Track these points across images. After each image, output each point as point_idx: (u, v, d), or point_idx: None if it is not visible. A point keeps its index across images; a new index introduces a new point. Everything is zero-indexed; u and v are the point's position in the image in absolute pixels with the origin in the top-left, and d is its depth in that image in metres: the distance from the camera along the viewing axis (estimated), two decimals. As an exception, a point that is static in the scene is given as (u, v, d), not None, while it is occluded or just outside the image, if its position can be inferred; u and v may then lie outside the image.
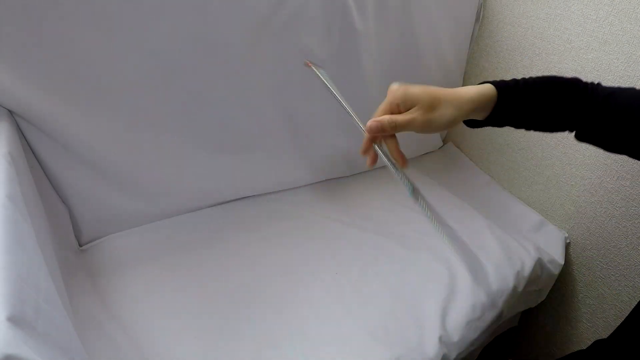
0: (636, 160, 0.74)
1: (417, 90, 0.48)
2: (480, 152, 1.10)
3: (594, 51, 0.75)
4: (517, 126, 0.52)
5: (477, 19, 0.95)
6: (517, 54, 0.90)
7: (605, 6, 0.70)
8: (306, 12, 0.72)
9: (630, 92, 0.49)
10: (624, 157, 0.75)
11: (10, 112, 0.61)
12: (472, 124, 0.53)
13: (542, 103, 0.51)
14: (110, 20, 0.60)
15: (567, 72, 0.80)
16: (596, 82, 0.52)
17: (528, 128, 0.53)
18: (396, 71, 0.92)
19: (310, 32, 0.75)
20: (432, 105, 0.47)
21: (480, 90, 0.49)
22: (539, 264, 0.84)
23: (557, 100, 0.51)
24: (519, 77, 0.94)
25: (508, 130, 0.98)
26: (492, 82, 0.51)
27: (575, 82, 0.52)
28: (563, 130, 0.53)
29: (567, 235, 0.90)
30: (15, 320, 0.35)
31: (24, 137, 0.64)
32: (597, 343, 0.56)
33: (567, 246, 0.90)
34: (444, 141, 1.20)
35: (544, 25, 0.82)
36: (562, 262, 0.87)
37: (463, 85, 1.07)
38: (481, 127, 0.53)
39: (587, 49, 0.76)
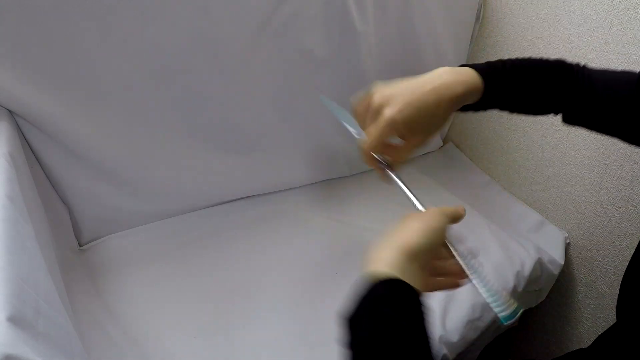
0: (636, 161, 0.74)
1: (411, 112, 0.45)
2: (480, 152, 1.09)
3: (594, 51, 0.75)
4: (502, 109, 0.51)
5: (477, 19, 0.95)
6: (517, 54, 0.90)
7: (605, 6, 0.70)
8: (306, 12, 0.72)
9: (615, 74, 0.49)
10: (624, 157, 0.76)
11: (10, 112, 0.61)
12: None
13: (529, 86, 0.49)
14: (110, 20, 0.60)
15: (567, 72, 0.80)
16: (582, 64, 0.51)
17: (512, 111, 0.52)
18: (396, 71, 0.92)
19: (310, 32, 0.75)
20: (426, 124, 0.47)
21: (467, 86, 0.47)
22: (539, 264, 0.84)
23: (544, 82, 0.50)
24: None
25: (508, 131, 0.98)
26: (475, 67, 0.49)
27: (560, 64, 0.51)
28: (549, 112, 0.52)
29: (567, 235, 0.90)
30: (15, 320, 0.35)
31: (24, 137, 0.64)
32: (599, 339, 0.56)
33: (567, 246, 0.90)
34: (444, 141, 1.20)
35: (544, 25, 0.82)
36: (562, 262, 0.87)
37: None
38: (465, 111, 0.52)
39: (587, 49, 0.76)
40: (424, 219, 0.43)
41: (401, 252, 0.40)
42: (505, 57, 0.93)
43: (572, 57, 0.78)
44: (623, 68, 0.71)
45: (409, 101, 0.46)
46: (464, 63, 1.02)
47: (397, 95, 0.47)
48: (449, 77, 0.47)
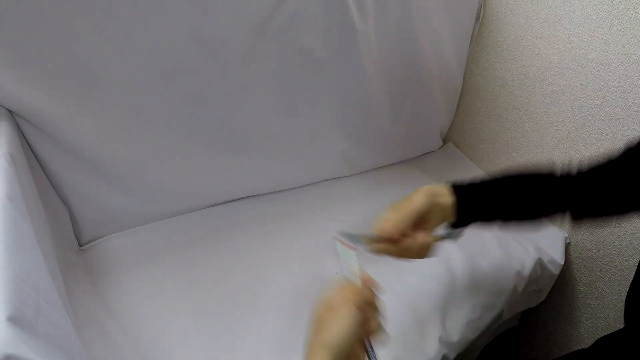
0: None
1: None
2: (480, 152, 1.10)
3: (594, 51, 0.75)
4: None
5: (477, 19, 0.95)
6: (517, 54, 0.90)
7: (606, 6, 0.70)
8: (306, 12, 0.72)
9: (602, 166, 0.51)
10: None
11: (10, 112, 0.61)
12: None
13: (517, 198, 0.54)
14: (110, 20, 0.60)
15: (567, 72, 0.80)
16: (565, 169, 0.54)
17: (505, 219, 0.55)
18: (396, 71, 0.92)
19: (310, 32, 0.75)
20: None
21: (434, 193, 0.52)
22: (539, 264, 0.84)
23: (532, 193, 0.54)
24: (519, 77, 0.95)
25: (508, 131, 0.99)
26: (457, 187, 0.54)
27: (548, 173, 0.54)
28: (548, 216, 0.55)
29: (567, 235, 0.90)
30: (15, 320, 0.35)
31: (24, 137, 0.64)
32: (599, 341, 0.56)
33: (567, 246, 0.90)
34: (444, 141, 1.20)
35: (544, 25, 0.82)
36: (562, 262, 0.87)
37: (463, 85, 1.07)
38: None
39: (587, 49, 0.76)
40: (341, 316, 0.42)
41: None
42: (506, 57, 0.94)
43: (572, 57, 0.79)
44: (623, 68, 0.71)
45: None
46: (464, 63, 1.02)
47: None
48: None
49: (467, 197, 0.53)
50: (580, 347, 0.61)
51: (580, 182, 0.52)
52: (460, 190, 0.53)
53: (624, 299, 0.82)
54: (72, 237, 0.76)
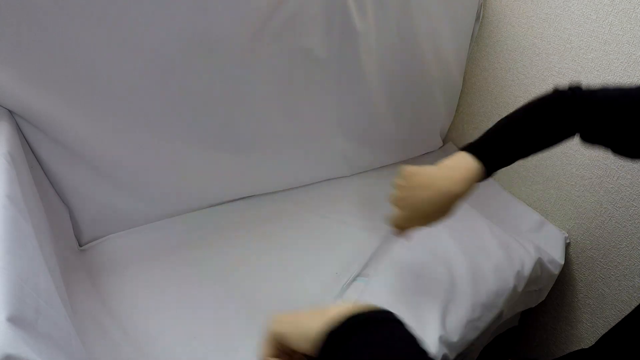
0: (636, 161, 0.74)
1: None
2: (480, 152, 1.09)
3: (594, 51, 0.75)
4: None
5: (477, 19, 0.95)
6: (517, 54, 0.90)
7: (605, 6, 0.71)
8: (306, 12, 0.72)
9: (610, 88, 0.52)
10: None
11: (10, 112, 0.61)
12: None
13: (532, 134, 0.55)
14: (110, 20, 0.60)
15: (567, 72, 0.80)
16: (574, 85, 0.54)
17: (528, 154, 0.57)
18: (396, 71, 0.92)
19: (310, 32, 0.75)
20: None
21: (467, 177, 0.55)
22: (539, 264, 0.84)
23: (545, 122, 0.55)
24: (519, 77, 0.95)
25: (508, 130, 0.98)
26: (472, 150, 0.57)
27: (556, 95, 0.54)
28: (563, 140, 0.56)
29: (567, 235, 0.90)
30: (15, 320, 0.35)
31: (24, 137, 0.64)
32: (601, 340, 0.56)
33: (567, 246, 0.90)
34: (444, 141, 1.20)
35: (544, 25, 0.82)
36: (562, 262, 0.87)
37: (463, 85, 1.07)
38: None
39: (587, 49, 0.76)
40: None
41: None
42: (506, 57, 0.94)
43: (572, 57, 0.79)
44: (623, 68, 0.71)
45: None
46: (464, 63, 1.02)
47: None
48: (446, 187, 0.57)
49: (489, 159, 0.55)
50: (580, 347, 0.61)
51: (592, 103, 0.51)
52: (478, 152, 0.56)
53: (624, 298, 0.83)
54: (72, 237, 0.76)
